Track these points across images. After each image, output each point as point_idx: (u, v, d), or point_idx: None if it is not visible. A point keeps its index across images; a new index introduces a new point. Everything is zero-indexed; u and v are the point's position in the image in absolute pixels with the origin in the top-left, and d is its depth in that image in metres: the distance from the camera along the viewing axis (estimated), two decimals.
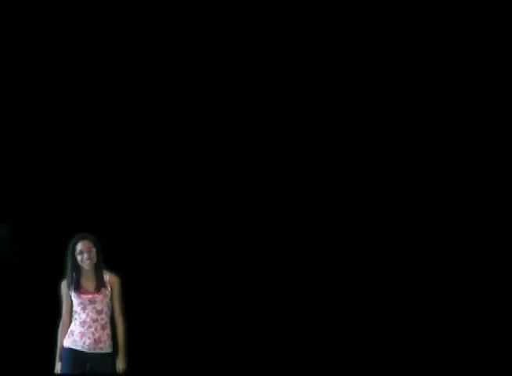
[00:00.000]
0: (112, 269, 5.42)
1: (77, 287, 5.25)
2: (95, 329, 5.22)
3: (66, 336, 5.26)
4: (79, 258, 5.28)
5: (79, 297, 5.24)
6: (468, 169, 7.07)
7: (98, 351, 5.20)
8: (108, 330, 5.28)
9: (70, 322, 5.27)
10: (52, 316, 5.44)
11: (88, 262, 5.26)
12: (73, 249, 5.29)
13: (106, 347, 5.24)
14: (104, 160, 7.15)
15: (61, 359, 5.26)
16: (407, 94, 7.12)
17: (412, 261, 7.13)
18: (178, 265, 7.13)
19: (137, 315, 5.72)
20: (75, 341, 5.22)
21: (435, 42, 6.98)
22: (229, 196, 7.23)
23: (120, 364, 5.29)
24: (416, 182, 7.18)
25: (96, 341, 5.21)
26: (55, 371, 5.29)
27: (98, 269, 5.31)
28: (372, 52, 7.02)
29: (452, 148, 7.10)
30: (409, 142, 7.16)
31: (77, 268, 5.29)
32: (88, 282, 5.29)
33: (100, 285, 5.27)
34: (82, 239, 5.31)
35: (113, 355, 5.28)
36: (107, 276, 5.33)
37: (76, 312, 5.26)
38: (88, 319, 5.22)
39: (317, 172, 7.21)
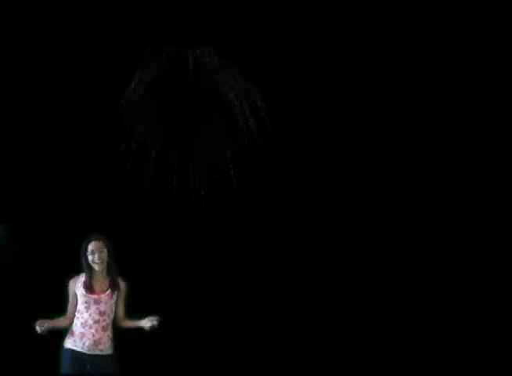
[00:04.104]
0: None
1: (88, 286, 5.24)
2: (96, 330, 5.21)
3: (67, 337, 5.25)
4: (90, 258, 5.27)
5: (85, 295, 5.24)
6: (468, 169, 7.07)
7: (97, 352, 5.19)
8: (109, 332, 5.27)
9: (71, 323, 5.26)
10: (52, 316, 5.41)
11: (99, 261, 5.26)
12: (86, 249, 5.29)
13: (106, 348, 5.23)
14: (104, 161, 7.14)
15: (62, 359, 5.24)
16: (407, 95, 7.12)
17: (412, 261, 7.14)
18: (177, 267, 7.13)
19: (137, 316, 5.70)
20: (75, 341, 5.22)
21: (435, 42, 6.98)
22: (229, 198, 7.23)
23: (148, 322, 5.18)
24: (417, 182, 7.19)
25: (96, 343, 5.19)
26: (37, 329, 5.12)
27: (111, 272, 5.32)
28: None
29: (452, 148, 7.11)
30: (409, 143, 7.16)
31: (89, 268, 5.29)
32: (98, 282, 5.29)
33: (112, 288, 5.28)
34: (94, 239, 5.31)
35: (114, 356, 5.27)
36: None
37: (79, 311, 5.25)
38: (89, 320, 5.21)
39: (317, 172, 7.22)
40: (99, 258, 5.26)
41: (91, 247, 5.29)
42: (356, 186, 7.24)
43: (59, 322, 5.26)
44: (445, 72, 7.03)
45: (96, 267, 5.28)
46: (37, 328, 5.08)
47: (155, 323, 5.17)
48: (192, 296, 7.04)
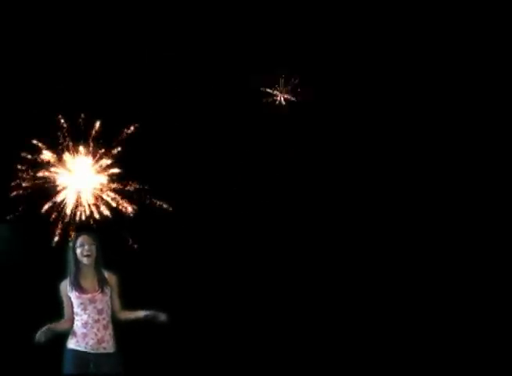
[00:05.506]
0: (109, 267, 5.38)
1: (77, 287, 5.20)
2: (98, 329, 5.17)
3: (69, 337, 5.21)
4: (79, 250, 5.22)
5: (79, 297, 5.19)
6: (468, 169, 7.10)
7: (101, 351, 5.16)
8: (110, 330, 5.23)
9: (72, 324, 5.22)
10: (52, 316, 5.36)
11: (88, 253, 5.20)
12: (75, 243, 5.26)
13: (109, 346, 5.19)
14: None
15: (65, 359, 5.19)
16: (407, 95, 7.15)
17: (412, 261, 7.16)
18: (175, 264, 7.13)
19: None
20: (78, 341, 5.17)
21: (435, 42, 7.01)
22: (228, 197, 7.23)
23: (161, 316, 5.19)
24: (416, 184, 7.21)
25: (99, 341, 5.16)
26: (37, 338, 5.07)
27: (98, 268, 5.28)
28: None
29: (453, 148, 7.14)
30: (409, 143, 7.19)
31: (77, 264, 5.24)
32: (88, 281, 5.24)
33: (102, 284, 5.23)
34: (84, 234, 5.30)
35: (117, 355, 5.24)
36: (106, 275, 5.30)
37: (77, 313, 5.20)
38: (89, 320, 5.17)
39: (318, 173, 7.23)
40: (89, 250, 5.22)
41: (81, 240, 5.25)
42: (355, 186, 7.27)
43: (60, 325, 5.22)
44: (443, 72, 7.06)
45: (85, 260, 5.22)
46: (38, 337, 5.04)
47: (162, 317, 5.16)
48: (194, 296, 7.04)
